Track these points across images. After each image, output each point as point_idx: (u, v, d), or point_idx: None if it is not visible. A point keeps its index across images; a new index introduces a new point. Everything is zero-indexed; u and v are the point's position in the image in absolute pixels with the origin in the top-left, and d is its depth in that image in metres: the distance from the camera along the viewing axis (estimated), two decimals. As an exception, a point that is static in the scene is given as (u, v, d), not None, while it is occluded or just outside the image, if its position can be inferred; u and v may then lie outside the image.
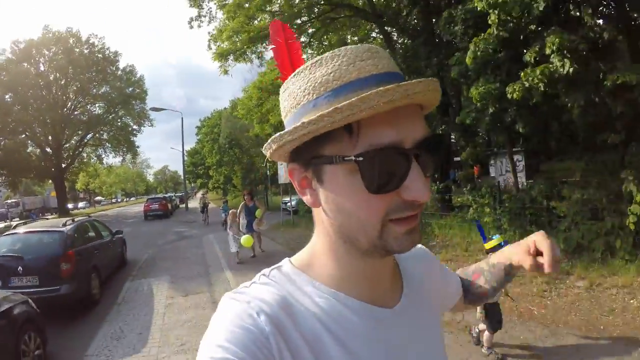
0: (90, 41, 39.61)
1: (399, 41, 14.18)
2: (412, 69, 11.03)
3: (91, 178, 58.31)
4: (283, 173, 18.43)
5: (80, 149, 41.69)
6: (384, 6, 11.80)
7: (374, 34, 17.23)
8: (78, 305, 6.99)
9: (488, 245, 2.86)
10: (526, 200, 8.05)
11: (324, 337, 0.62)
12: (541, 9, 6.06)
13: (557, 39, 5.87)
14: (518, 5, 6.26)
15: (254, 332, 0.58)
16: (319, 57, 0.62)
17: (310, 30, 16.58)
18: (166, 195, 50.97)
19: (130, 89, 40.61)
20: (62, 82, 38.08)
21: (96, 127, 40.39)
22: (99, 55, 39.63)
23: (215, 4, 14.95)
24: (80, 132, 40.22)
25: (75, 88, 38.51)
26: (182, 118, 26.06)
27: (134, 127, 42.19)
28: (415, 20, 12.43)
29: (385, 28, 13.14)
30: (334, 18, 15.76)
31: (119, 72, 41.14)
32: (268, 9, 14.67)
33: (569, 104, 6.45)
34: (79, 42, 39.16)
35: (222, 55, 15.30)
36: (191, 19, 15.39)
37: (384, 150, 0.56)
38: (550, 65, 6.08)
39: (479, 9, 6.89)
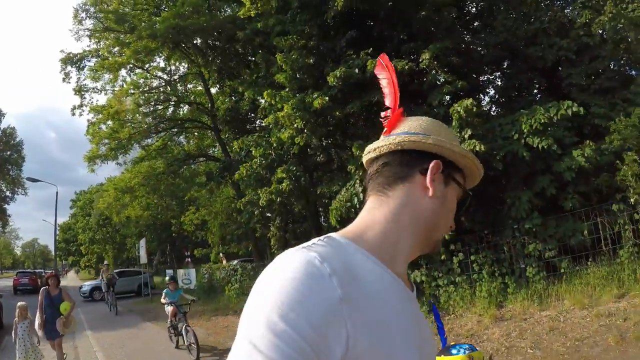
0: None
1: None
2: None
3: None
4: (143, 254, 18.67)
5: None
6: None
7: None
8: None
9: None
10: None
11: (384, 303, 0.68)
12: None
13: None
14: None
15: (327, 299, 0.59)
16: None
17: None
18: (36, 270, 46.36)
19: (9, 152, 37.64)
20: None
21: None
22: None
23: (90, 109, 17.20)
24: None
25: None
26: (57, 192, 24.30)
27: (7, 193, 38.67)
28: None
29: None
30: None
31: (-1, 133, 38.14)
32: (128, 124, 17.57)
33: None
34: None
35: (90, 159, 17.58)
36: (74, 107, 17.11)
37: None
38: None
39: None
